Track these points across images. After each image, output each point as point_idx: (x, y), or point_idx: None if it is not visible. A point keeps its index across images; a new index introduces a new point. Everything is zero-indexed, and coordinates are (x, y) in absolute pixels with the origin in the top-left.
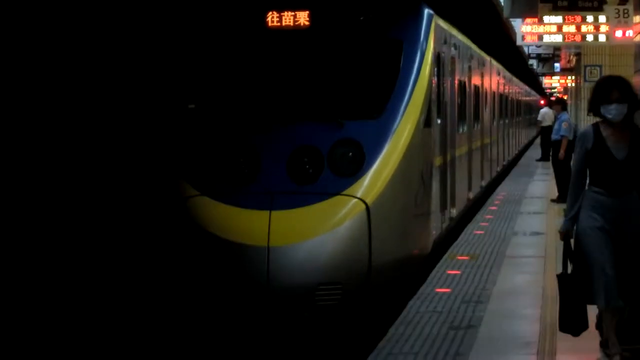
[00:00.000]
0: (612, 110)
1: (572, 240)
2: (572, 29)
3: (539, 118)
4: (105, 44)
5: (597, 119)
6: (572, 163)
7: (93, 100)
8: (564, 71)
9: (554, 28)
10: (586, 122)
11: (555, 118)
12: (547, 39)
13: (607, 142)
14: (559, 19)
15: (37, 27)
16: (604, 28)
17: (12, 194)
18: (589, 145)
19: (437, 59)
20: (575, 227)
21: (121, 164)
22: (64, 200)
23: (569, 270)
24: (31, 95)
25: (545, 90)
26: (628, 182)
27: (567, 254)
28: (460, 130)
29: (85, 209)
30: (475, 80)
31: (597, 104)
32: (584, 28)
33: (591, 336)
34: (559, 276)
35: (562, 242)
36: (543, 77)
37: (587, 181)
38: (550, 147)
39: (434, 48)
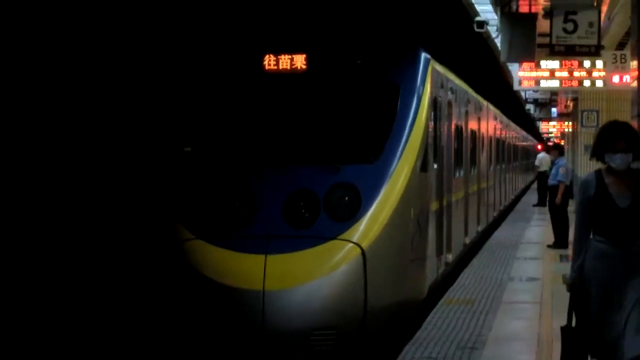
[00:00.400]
0: (617, 160)
1: None
2: (569, 74)
3: (537, 163)
4: (102, 82)
5: (600, 165)
6: (575, 211)
7: (92, 141)
8: (561, 116)
9: (553, 73)
10: (583, 166)
11: (552, 163)
12: (544, 83)
13: (609, 190)
14: (556, 63)
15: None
16: (600, 73)
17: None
18: (591, 193)
19: (434, 103)
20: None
21: (118, 205)
22: (58, 247)
23: (574, 323)
24: (29, 134)
25: (542, 135)
26: (632, 231)
27: (573, 306)
28: (457, 174)
29: (84, 249)
30: (472, 124)
31: (601, 151)
32: (580, 73)
33: None
34: (562, 329)
35: (558, 289)
36: (540, 122)
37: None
38: (547, 192)
39: (431, 92)
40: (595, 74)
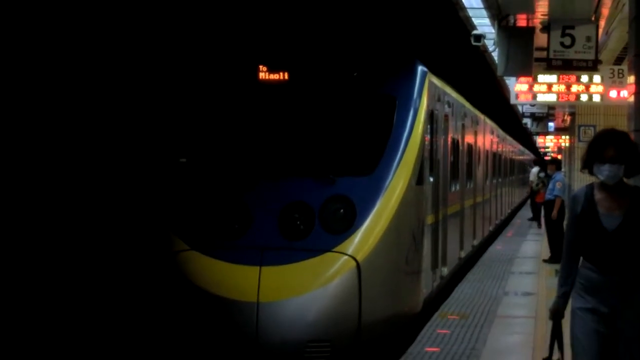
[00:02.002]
0: (605, 171)
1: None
2: (566, 88)
3: (531, 178)
4: (98, 91)
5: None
6: (564, 229)
7: (89, 152)
8: (558, 130)
9: (549, 87)
10: (580, 181)
11: (549, 177)
12: (541, 98)
13: (597, 208)
14: (553, 78)
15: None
16: (597, 88)
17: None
18: (578, 209)
19: (430, 117)
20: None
21: (113, 218)
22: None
23: (555, 356)
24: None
25: (540, 150)
26: (620, 257)
27: (555, 336)
28: (453, 188)
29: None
30: (469, 138)
31: (590, 162)
32: (578, 88)
33: None
34: None
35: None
36: (537, 136)
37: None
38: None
39: (428, 105)
40: (592, 88)
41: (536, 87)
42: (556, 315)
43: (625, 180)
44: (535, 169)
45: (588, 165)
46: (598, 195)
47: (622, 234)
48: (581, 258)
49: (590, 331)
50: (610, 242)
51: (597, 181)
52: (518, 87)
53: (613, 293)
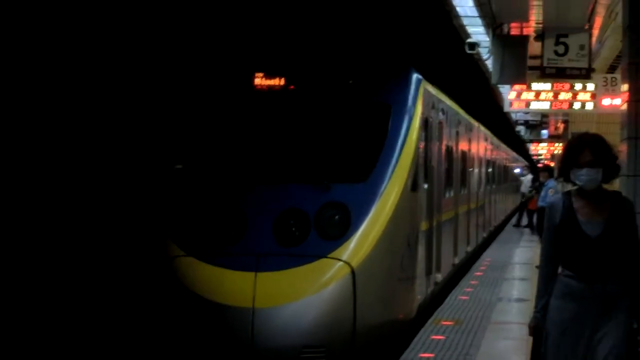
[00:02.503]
0: (582, 176)
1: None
2: (560, 96)
3: (524, 184)
4: (97, 95)
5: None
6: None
7: (87, 157)
8: (552, 138)
9: (541, 95)
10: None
11: (541, 185)
12: (534, 105)
13: (577, 216)
14: (547, 86)
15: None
16: (589, 96)
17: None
18: (557, 219)
19: (425, 124)
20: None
21: (109, 223)
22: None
23: None
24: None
25: (532, 157)
26: (603, 265)
27: (535, 354)
28: (447, 195)
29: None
30: (463, 145)
31: (567, 168)
32: (570, 95)
33: None
34: None
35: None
36: (530, 144)
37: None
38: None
39: (422, 112)
40: (585, 96)
41: (529, 95)
42: (536, 331)
43: (603, 185)
44: (528, 176)
45: (564, 172)
46: (576, 202)
47: (605, 241)
48: (560, 267)
49: (567, 344)
50: (593, 249)
51: (574, 188)
52: (512, 95)
53: (595, 301)
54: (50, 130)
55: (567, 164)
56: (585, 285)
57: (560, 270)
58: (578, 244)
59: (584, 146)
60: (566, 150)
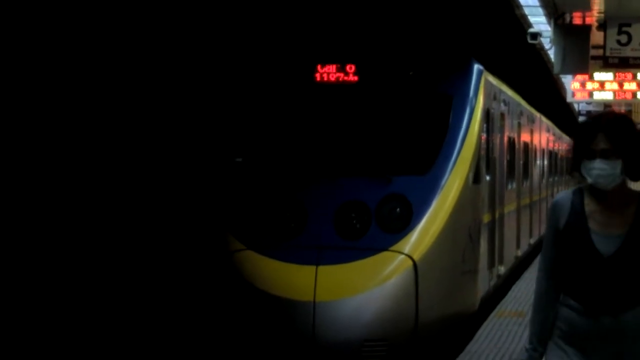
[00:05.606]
0: (594, 170)
1: None
2: (625, 86)
3: None
4: (153, 89)
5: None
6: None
7: (145, 152)
8: None
9: (606, 85)
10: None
11: None
12: (597, 95)
13: (588, 224)
14: (609, 76)
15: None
16: None
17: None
18: (561, 224)
19: (487, 115)
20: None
21: (168, 214)
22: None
23: None
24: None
25: None
26: (616, 293)
27: None
28: (509, 187)
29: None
30: (525, 136)
31: (578, 159)
32: (634, 85)
33: None
34: None
35: None
36: None
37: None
38: None
39: (484, 104)
40: None
41: (592, 85)
42: None
43: (628, 184)
44: None
45: (576, 164)
46: (589, 205)
47: (622, 261)
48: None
49: None
50: (604, 271)
51: (586, 186)
52: (575, 85)
53: (605, 343)
54: (112, 118)
55: (578, 154)
56: (591, 321)
57: (560, 298)
58: (584, 263)
59: (598, 130)
60: (577, 135)
